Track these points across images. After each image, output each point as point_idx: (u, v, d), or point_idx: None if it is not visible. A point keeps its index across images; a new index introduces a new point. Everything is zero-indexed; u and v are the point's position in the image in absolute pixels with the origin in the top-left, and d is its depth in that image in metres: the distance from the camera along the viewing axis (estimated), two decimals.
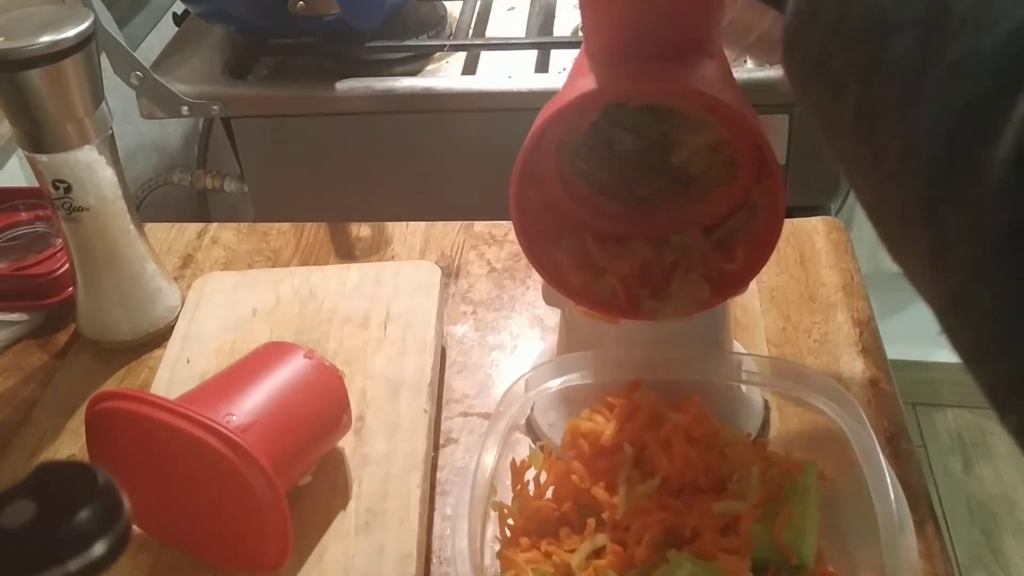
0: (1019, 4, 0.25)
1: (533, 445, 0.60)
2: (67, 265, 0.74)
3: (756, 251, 0.53)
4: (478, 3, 1.27)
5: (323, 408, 0.58)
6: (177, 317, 0.73)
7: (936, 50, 0.26)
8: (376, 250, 0.84)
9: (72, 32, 0.61)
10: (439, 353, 0.69)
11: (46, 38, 0.61)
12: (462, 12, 1.24)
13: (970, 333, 0.27)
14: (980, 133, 0.25)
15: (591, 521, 0.53)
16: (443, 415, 0.67)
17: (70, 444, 0.66)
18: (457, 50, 1.15)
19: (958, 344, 0.27)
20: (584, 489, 0.54)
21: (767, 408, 0.64)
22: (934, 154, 0.26)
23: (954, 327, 0.28)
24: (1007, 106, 0.24)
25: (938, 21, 0.26)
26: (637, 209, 0.57)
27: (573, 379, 0.57)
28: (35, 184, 0.69)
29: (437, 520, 0.60)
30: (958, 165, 0.25)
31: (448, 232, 0.85)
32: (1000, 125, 0.24)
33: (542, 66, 1.11)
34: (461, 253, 0.82)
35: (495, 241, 0.83)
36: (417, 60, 1.14)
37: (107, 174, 0.68)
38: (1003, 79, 0.24)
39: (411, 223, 0.86)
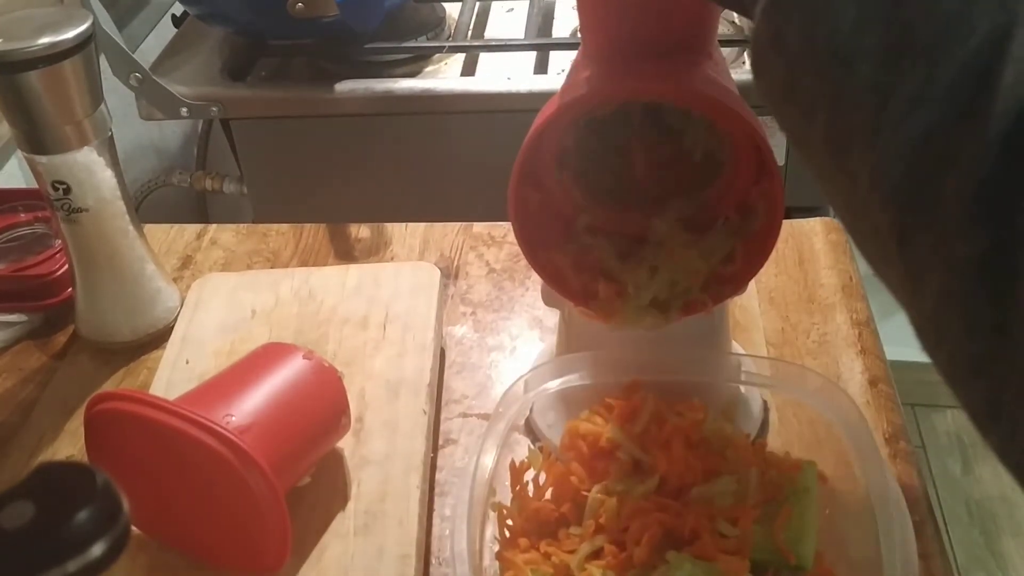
0: (972, 36, 0.25)
1: (532, 446, 0.60)
2: (66, 266, 0.74)
3: (755, 252, 0.53)
4: (477, 4, 1.27)
5: (322, 409, 0.58)
6: (176, 318, 0.73)
7: (895, 81, 0.27)
8: (375, 251, 0.84)
9: (71, 34, 0.61)
10: (438, 354, 0.69)
11: (45, 40, 0.61)
12: (461, 13, 1.24)
13: (945, 356, 0.27)
14: (939, 163, 0.25)
15: (590, 522, 0.53)
16: (442, 416, 0.67)
17: (69, 445, 0.66)
18: (456, 51, 1.15)
19: (937, 365, 0.28)
20: (583, 491, 0.54)
21: (766, 409, 0.64)
22: (898, 183, 0.27)
23: (931, 349, 0.28)
24: (964, 137, 0.25)
25: (895, 50, 0.27)
26: (636, 210, 0.57)
27: (572, 380, 0.57)
28: (34, 185, 0.69)
29: (436, 521, 0.60)
30: (922, 195, 0.26)
31: (447, 233, 0.85)
32: (958, 156, 0.25)
33: (541, 67, 1.11)
34: (460, 254, 0.82)
35: (494, 242, 0.83)
36: (416, 61, 1.14)
37: (106, 175, 0.68)
38: (958, 110, 0.25)
39: (410, 224, 0.86)
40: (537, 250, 0.55)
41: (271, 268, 0.81)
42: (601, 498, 0.53)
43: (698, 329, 0.60)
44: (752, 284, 0.73)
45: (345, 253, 0.84)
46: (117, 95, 1.00)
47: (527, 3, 1.24)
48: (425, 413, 0.63)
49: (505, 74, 1.08)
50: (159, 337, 0.74)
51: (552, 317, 0.72)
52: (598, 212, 0.57)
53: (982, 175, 0.24)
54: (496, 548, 0.54)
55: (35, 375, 0.73)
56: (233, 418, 0.53)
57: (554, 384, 0.57)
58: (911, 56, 0.26)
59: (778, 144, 1.05)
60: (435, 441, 0.65)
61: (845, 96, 0.29)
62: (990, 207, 0.24)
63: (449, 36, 1.20)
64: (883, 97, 0.27)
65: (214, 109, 1.09)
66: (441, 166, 1.12)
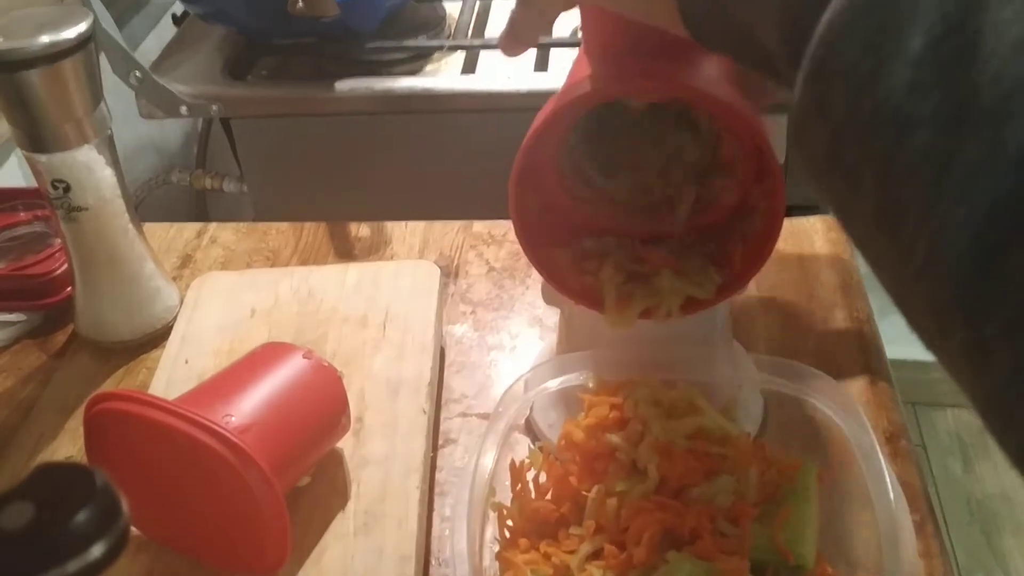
0: None
1: (532, 446, 0.60)
2: (65, 265, 0.74)
3: (756, 251, 0.53)
4: (477, 3, 1.27)
5: (322, 409, 0.58)
6: (176, 317, 0.73)
7: (956, 147, 0.25)
8: (375, 250, 0.83)
9: (71, 32, 0.61)
10: (438, 353, 0.69)
11: (45, 38, 0.61)
12: (461, 12, 1.24)
13: (1016, 438, 0.26)
14: (1010, 233, 0.24)
15: (590, 523, 0.52)
16: (442, 415, 0.67)
17: (68, 445, 0.66)
18: (456, 50, 1.15)
19: (1003, 445, 0.26)
20: (583, 491, 0.54)
21: (766, 408, 0.64)
22: (963, 254, 0.25)
23: (997, 429, 0.26)
24: None
25: (955, 117, 0.25)
26: (636, 210, 0.57)
27: (572, 379, 0.57)
28: (34, 184, 0.69)
29: (436, 521, 0.60)
30: (991, 266, 0.25)
31: (447, 232, 0.85)
32: None
33: (541, 66, 1.11)
34: (460, 253, 0.82)
35: (494, 241, 0.83)
36: (416, 60, 1.14)
37: (106, 174, 0.68)
38: None
39: (410, 223, 0.86)
40: (537, 249, 0.55)
41: (271, 267, 0.81)
42: (601, 498, 0.53)
43: (698, 328, 0.59)
44: (752, 283, 0.73)
45: (345, 252, 0.84)
46: (117, 94, 1.00)
47: None
48: (425, 413, 0.63)
49: (505, 73, 1.08)
50: (158, 336, 0.74)
51: (552, 316, 0.72)
52: (598, 211, 0.57)
53: None
54: (496, 548, 0.54)
55: (35, 374, 0.73)
56: (233, 418, 0.53)
57: (554, 383, 0.57)
58: (975, 121, 0.25)
59: (778, 143, 1.05)
60: (435, 441, 0.65)
61: (899, 164, 0.27)
62: None
63: (449, 35, 1.20)
64: (943, 164, 0.25)
65: (214, 108, 1.09)
66: (441, 165, 1.12)
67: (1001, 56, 0.24)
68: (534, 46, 0.51)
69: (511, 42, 0.51)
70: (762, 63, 0.37)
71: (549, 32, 0.50)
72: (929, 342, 0.28)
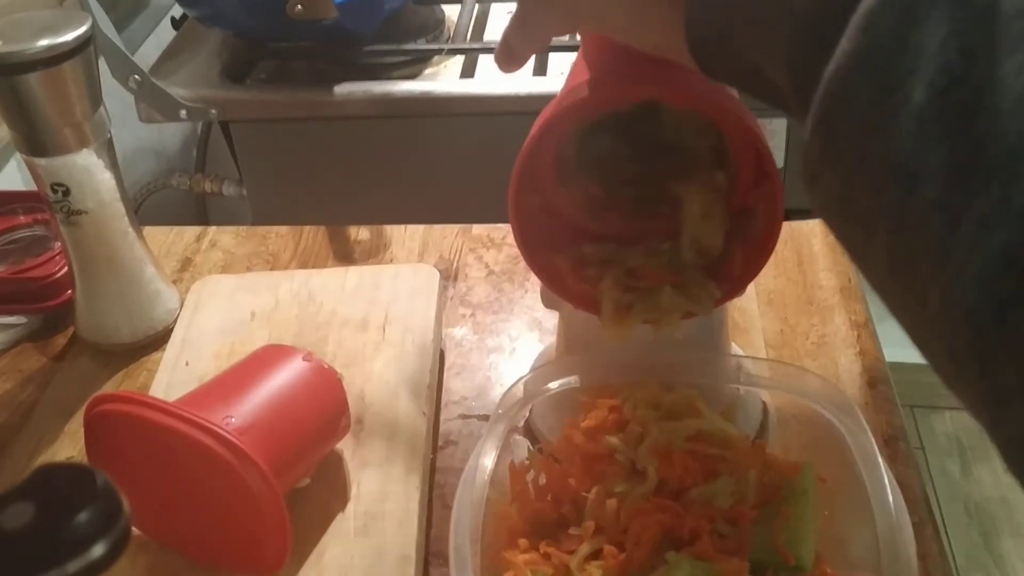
0: None
1: (532, 447, 0.60)
2: (65, 268, 0.74)
3: (754, 254, 0.53)
4: (476, 6, 1.27)
5: (322, 411, 0.58)
6: (176, 320, 0.73)
7: (964, 202, 0.25)
8: (375, 253, 0.84)
9: (70, 36, 0.61)
10: (438, 355, 0.69)
11: (44, 42, 0.61)
12: (460, 15, 1.24)
13: None
14: (1020, 286, 0.24)
15: (589, 523, 0.53)
16: (442, 417, 0.67)
17: (69, 446, 0.66)
18: (455, 53, 1.16)
19: None
20: (582, 491, 0.54)
21: (765, 410, 0.64)
22: (975, 306, 0.25)
23: (1020, 472, 0.27)
24: None
25: (962, 172, 0.25)
26: (636, 213, 0.57)
27: (572, 382, 0.57)
28: (33, 187, 0.69)
29: (436, 522, 0.60)
30: (1002, 319, 0.25)
31: (447, 235, 0.85)
32: None
33: (540, 69, 1.11)
34: (459, 256, 0.82)
35: (493, 244, 0.83)
36: (415, 64, 1.14)
37: (105, 177, 0.68)
38: None
39: (410, 226, 0.86)
40: (537, 253, 0.55)
41: (270, 270, 0.82)
42: (600, 499, 0.53)
43: (697, 331, 0.60)
44: (751, 286, 0.73)
45: (344, 255, 0.84)
46: (116, 97, 1.00)
47: None
48: (425, 414, 0.63)
49: (504, 76, 1.08)
50: (159, 339, 0.74)
51: (551, 319, 0.72)
52: (598, 216, 0.57)
53: None
54: (496, 549, 0.54)
55: (35, 377, 0.73)
56: (233, 420, 0.53)
57: (554, 385, 0.57)
58: (982, 176, 0.25)
59: (777, 146, 1.05)
60: (435, 442, 0.65)
61: (908, 215, 0.27)
62: None
63: (448, 38, 1.20)
64: (953, 217, 0.25)
65: (213, 111, 1.09)
66: (440, 168, 1.12)
67: (1005, 111, 0.25)
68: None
69: (506, 59, 0.51)
70: (773, 99, 0.37)
71: (545, 49, 0.50)
72: (950, 385, 0.29)
